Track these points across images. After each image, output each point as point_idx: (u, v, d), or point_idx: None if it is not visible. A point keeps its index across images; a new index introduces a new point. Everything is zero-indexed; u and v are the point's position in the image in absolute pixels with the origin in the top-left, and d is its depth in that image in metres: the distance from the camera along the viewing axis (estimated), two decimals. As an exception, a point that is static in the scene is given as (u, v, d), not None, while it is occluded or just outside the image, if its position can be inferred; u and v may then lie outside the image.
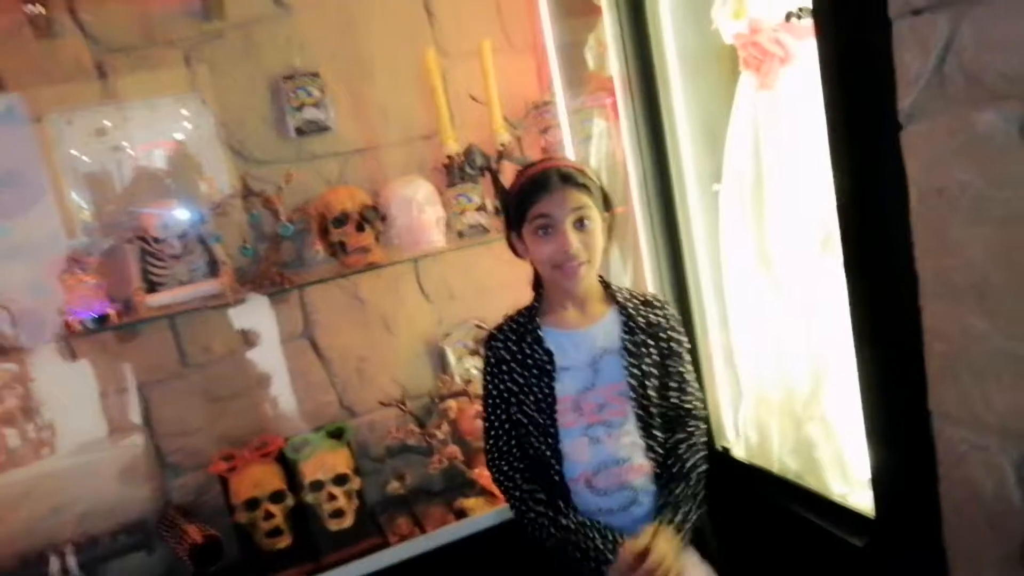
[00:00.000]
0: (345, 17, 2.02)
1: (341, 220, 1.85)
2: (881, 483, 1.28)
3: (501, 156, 1.99)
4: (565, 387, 1.38)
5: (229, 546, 1.79)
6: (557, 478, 1.39)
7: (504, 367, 1.42)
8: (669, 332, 1.41)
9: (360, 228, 1.85)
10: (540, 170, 1.35)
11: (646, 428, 1.37)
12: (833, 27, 1.11)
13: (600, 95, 2.00)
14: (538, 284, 1.47)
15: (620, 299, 1.42)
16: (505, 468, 1.43)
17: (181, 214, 1.81)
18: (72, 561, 1.75)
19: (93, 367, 1.87)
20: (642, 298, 1.45)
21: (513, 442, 1.43)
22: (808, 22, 1.24)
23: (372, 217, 1.88)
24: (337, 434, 1.98)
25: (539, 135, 2.10)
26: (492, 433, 1.44)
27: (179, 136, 1.91)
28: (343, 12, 2.01)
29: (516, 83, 2.14)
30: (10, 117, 1.74)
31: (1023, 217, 0.90)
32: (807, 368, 1.55)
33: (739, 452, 1.77)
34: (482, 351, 1.56)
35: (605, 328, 1.40)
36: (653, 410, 1.37)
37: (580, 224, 1.31)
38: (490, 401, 1.44)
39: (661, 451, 1.39)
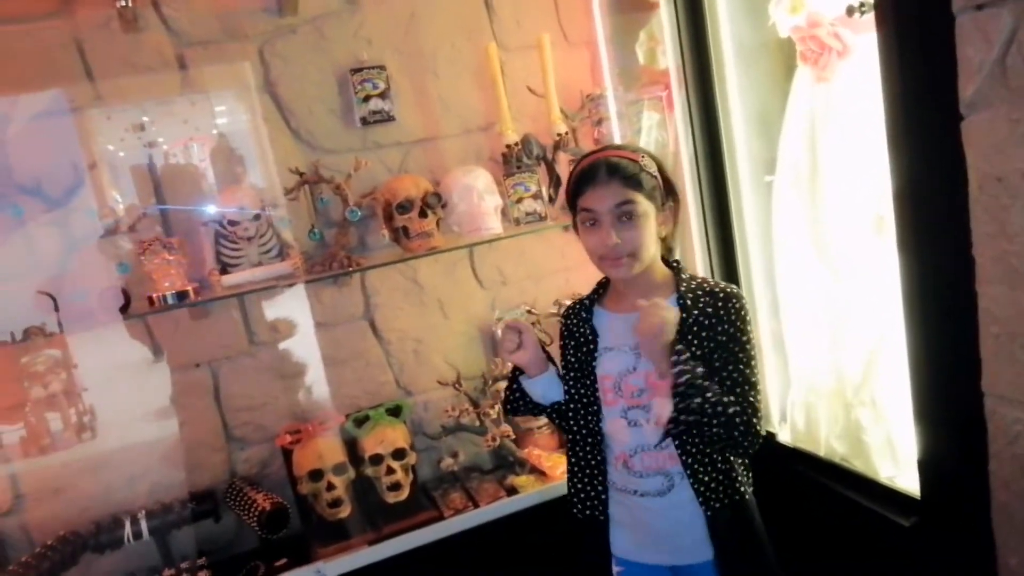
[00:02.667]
0: (409, 12, 2.09)
1: (405, 206, 1.92)
2: (930, 463, 1.31)
3: (557, 146, 2.04)
4: (606, 366, 1.39)
5: (291, 516, 1.88)
6: (598, 456, 1.43)
7: (562, 341, 1.49)
8: (724, 325, 1.31)
9: (423, 214, 1.92)
10: (591, 162, 1.33)
11: None
12: (896, 20, 1.15)
13: (652, 88, 2.04)
14: None
15: (682, 288, 1.36)
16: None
17: (255, 198, 1.90)
18: (144, 526, 1.85)
19: (166, 344, 1.97)
20: (709, 288, 1.36)
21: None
22: (869, 16, 1.27)
23: (434, 203, 1.94)
24: (395, 411, 2.06)
25: (593, 126, 2.15)
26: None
27: (241, 127, 2.00)
28: (407, 7, 2.09)
29: (571, 76, 2.18)
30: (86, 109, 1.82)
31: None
32: (859, 354, 1.58)
33: (784, 437, 1.81)
34: None
35: None
36: None
37: (626, 218, 1.29)
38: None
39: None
